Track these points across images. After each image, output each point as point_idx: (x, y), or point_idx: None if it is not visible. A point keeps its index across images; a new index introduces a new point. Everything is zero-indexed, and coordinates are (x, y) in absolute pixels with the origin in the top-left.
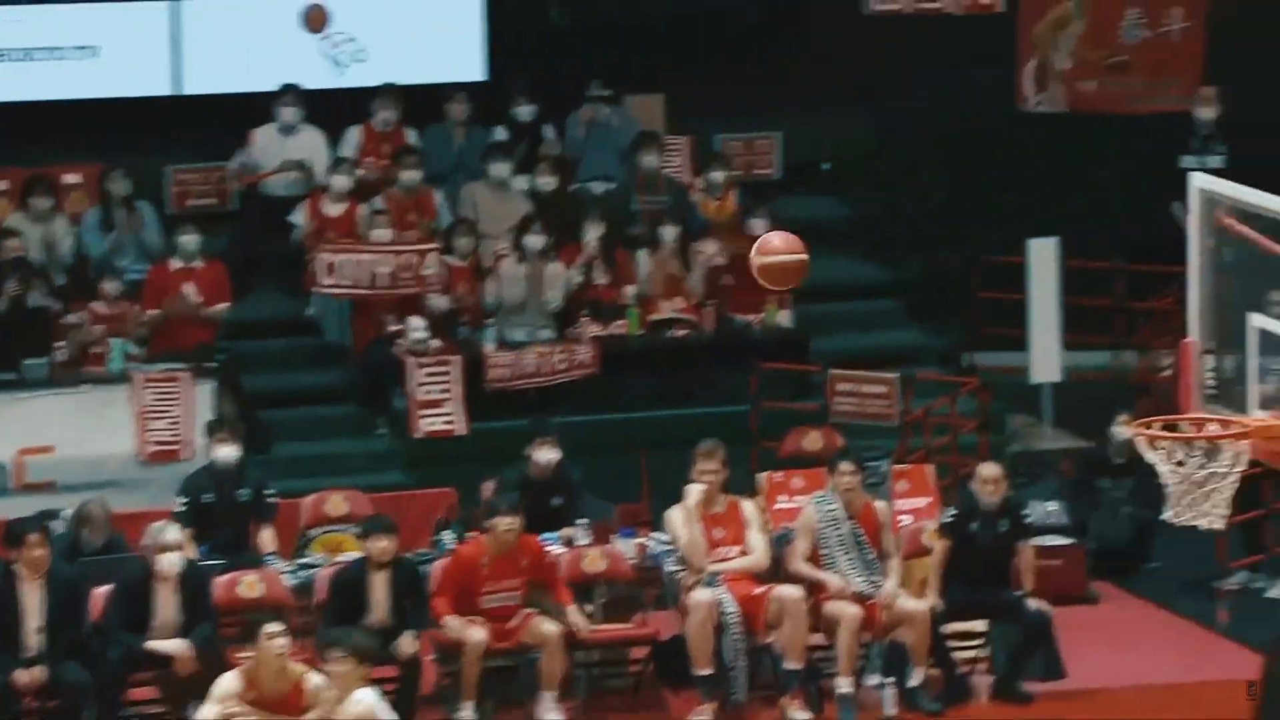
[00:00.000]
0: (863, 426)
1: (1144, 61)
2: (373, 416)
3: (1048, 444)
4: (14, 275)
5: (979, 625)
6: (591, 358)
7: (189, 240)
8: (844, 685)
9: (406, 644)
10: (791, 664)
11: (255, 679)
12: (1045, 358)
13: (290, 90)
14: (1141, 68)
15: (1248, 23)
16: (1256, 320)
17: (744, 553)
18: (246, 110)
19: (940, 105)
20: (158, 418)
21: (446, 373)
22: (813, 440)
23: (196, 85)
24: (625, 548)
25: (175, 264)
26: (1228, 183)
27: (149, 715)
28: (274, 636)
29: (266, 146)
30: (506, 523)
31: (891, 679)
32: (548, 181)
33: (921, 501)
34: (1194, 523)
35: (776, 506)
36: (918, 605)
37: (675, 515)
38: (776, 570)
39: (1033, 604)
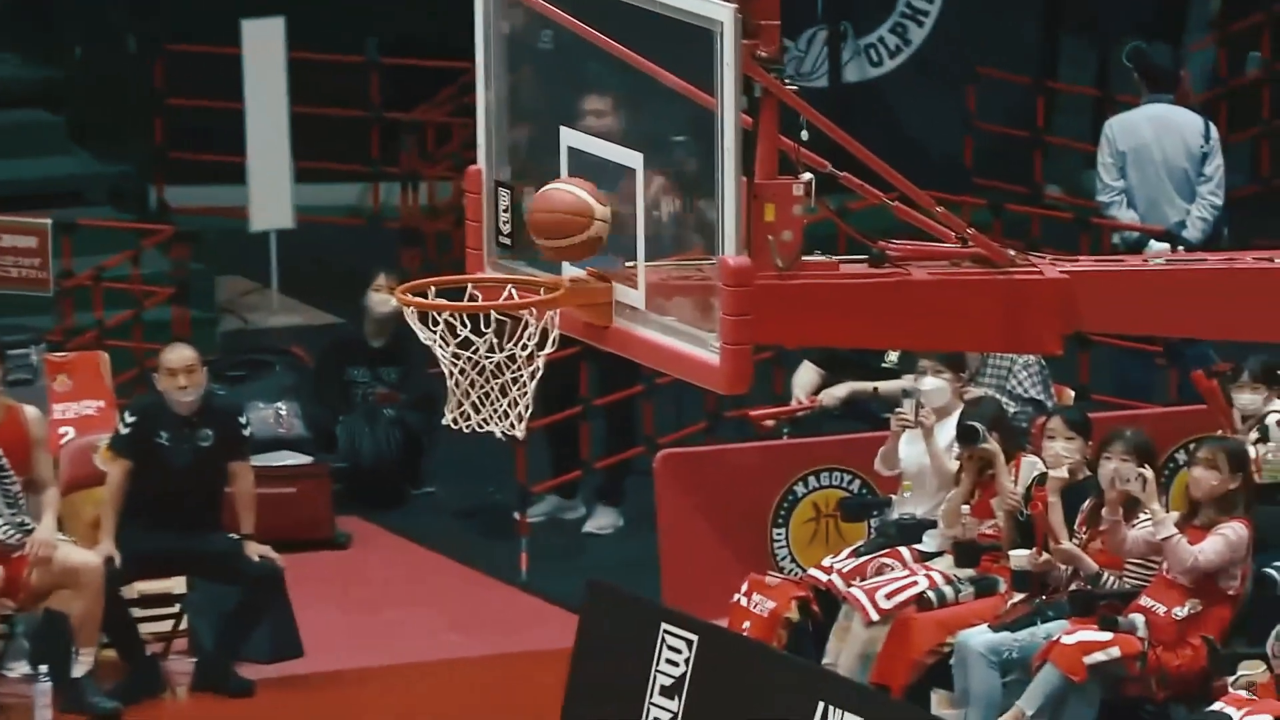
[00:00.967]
0: (2, 296)
1: None
2: None
3: (276, 320)
4: None
5: (175, 585)
6: None
7: None
8: None
9: None
10: (82, 653)
11: None
12: (270, 195)
13: None
14: None
15: None
16: (569, 136)
17: None
18: None
19: None
20: None
21: None
22: None
23: None
24: None
25: None
26: None
27: None
28: None
29: None
30: None
31: (46, 668)
32: None
33: (91, 405)
34: (485, 428)
35: None
36: (86, 559)
37: None
38: None
39: (254, 552)
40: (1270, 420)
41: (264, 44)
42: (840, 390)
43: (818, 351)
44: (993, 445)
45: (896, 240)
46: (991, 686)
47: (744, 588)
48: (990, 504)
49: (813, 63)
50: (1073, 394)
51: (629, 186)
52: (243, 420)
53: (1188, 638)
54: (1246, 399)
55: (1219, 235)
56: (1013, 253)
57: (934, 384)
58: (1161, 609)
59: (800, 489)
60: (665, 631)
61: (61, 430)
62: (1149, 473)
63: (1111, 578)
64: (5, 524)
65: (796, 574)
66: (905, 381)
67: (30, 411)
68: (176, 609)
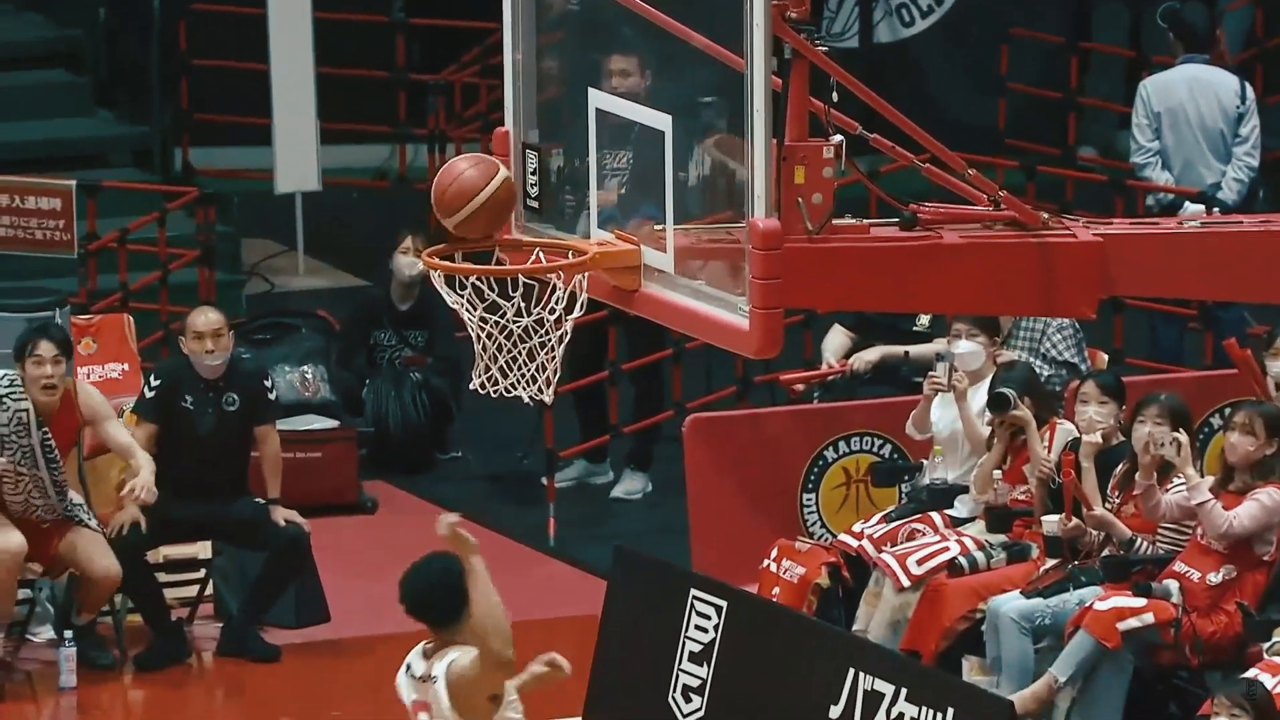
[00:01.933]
0: (26, 259)
1: None
2: None
3: (302, 282)
4: None
5: (201, 550)
6: None
7: None
8: None
9: None
10: (82, 618)
11: None
12: (295, 157)
13: None
14: None
15: None
16: (597, 98)
17: None
18: None
19: None
20: None
21: None
22: None
23: None
24: None
25: None
26: None
27: None
28: None
29: None
30: None
31: (70, 632)
32: None
33: (116, 369)
34: (512, 392)
35: None
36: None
37: None
38: None
39: (280, 517)
40: None
41: (290, 4)
42: (871, 354)
43: (848, 315)
44: (1024, 411)
45: (928, 203)
46: (1024, 653)
47: (773, 553)
48: (1022, 470)
49: (843, 23)
50: (1106, 358)
51: (658, 148)
52: (268, 384)
53: (1222, 604)
54: None
55: (1255, 197)
56: (1045, 215)
57: (968, 347)
58: (1196, 575)
59: (830, 454)
60: (694, 597)
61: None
62: (1184, 437)
63: (1145, 543)
64: (54, 514)
65: (827, 539)
66: (937, 345)
67: (81, 390)
68: (202, 574)
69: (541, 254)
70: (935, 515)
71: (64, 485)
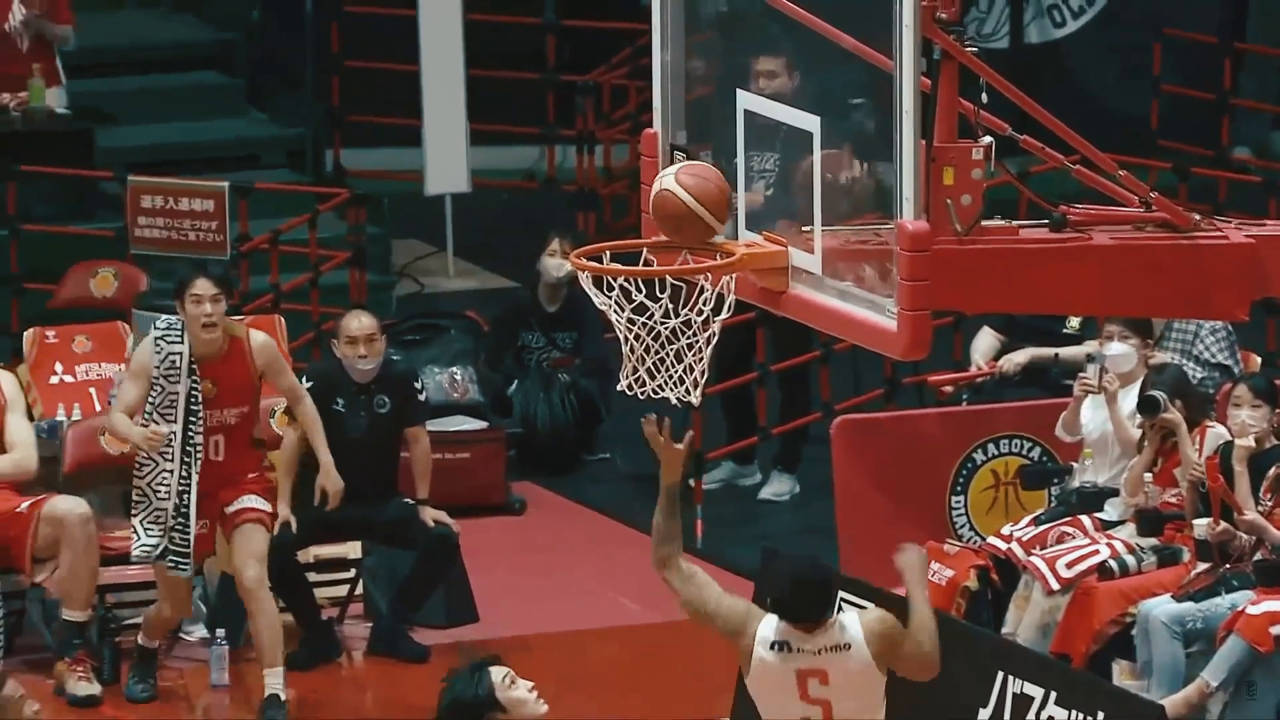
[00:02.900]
0: (179, 260)
1: None
2: None
3: (452, 284)
4: None
5: (351, 550)
6: None
7: None
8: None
9: None
10: (73, 614)
11: None
12: (446, 158)
13: None
14: None
15: None
16: (746, 99)
17: None
18: None
19: None
20: None
21: None
22: (104, 283)
23: None
24: None
25: None
26: None
27: None
28: None
29: None
30: None
31: (223, 631)
32: None
33: None
34: (660, 394)
35: (51, 381)
36: (70, 508)
37: None
38: None
39: (429, 517)
40: None
41: (441, 5)
42: (1020, 356)
43: (997, 317)
44: (1175, 414)
45: (1078, 205)
46: (1175, 657)
47: None
48: (1173, 473)
49: (994, 24)
50: (1259, 360)
51: (806, 149)
52: (419, 386)
53: None
54: None
55: None
56: (1197, 217)
57: (1121, 349)
58: None
59: (979, 456)
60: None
61: None
62: None
63: None
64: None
65: (975, 542)
66: (1087, 347)
67: (254, 337)
68: (352, 574)
69: (689, 255)
70: (1085, 518)
71: (197, 448)
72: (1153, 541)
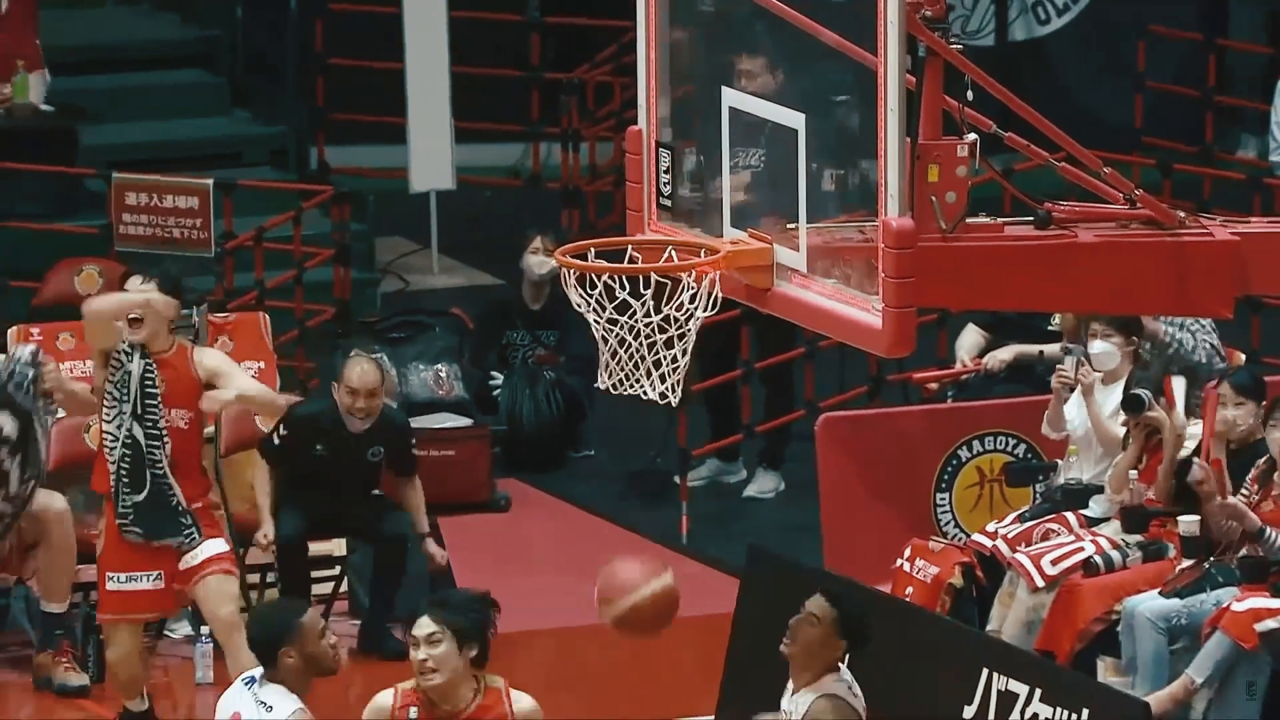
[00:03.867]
0: (164, 258)
1: None
2: None
3: (436, 281)
4: None
5: (335, 547)
6: None
7: None
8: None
9: None
10: (52, 606)
11: None
12: (430, 155)
13: None
14: None
15: None
16: (730, 96)
17: None
18: None
19: None
20: None
21: None
22: (88, 280)
23: None
24: None
25: None
26: None
27: None
28: None
29: None
30: None
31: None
32: None
33: (253, 366)
34: (641, 392)
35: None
36: (49, 504)
37: None
38: None
39: (433, 551)
40: None
41: (425, 3)
42: (1005, 353)
43: (982, 314)
44: (1159, 412)
45: (1063, 202)
46: (1160, 654)
47: (907, 553)
48: (1158, 470)
49: (979, 21)
50: (1244, 357)
51: (791, 147)
52: (413, 440)
53: None
54: None
55: None
56: (1182, 214)
57: (1103, 347)
58: None
59: (964, 453)
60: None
61: None
62: None
63: (1276, 535)
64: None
65: (960, 539)
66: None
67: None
68: (337, 570)
69: (674, 252)
70: (1070, 515)
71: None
72: (1137, 538)
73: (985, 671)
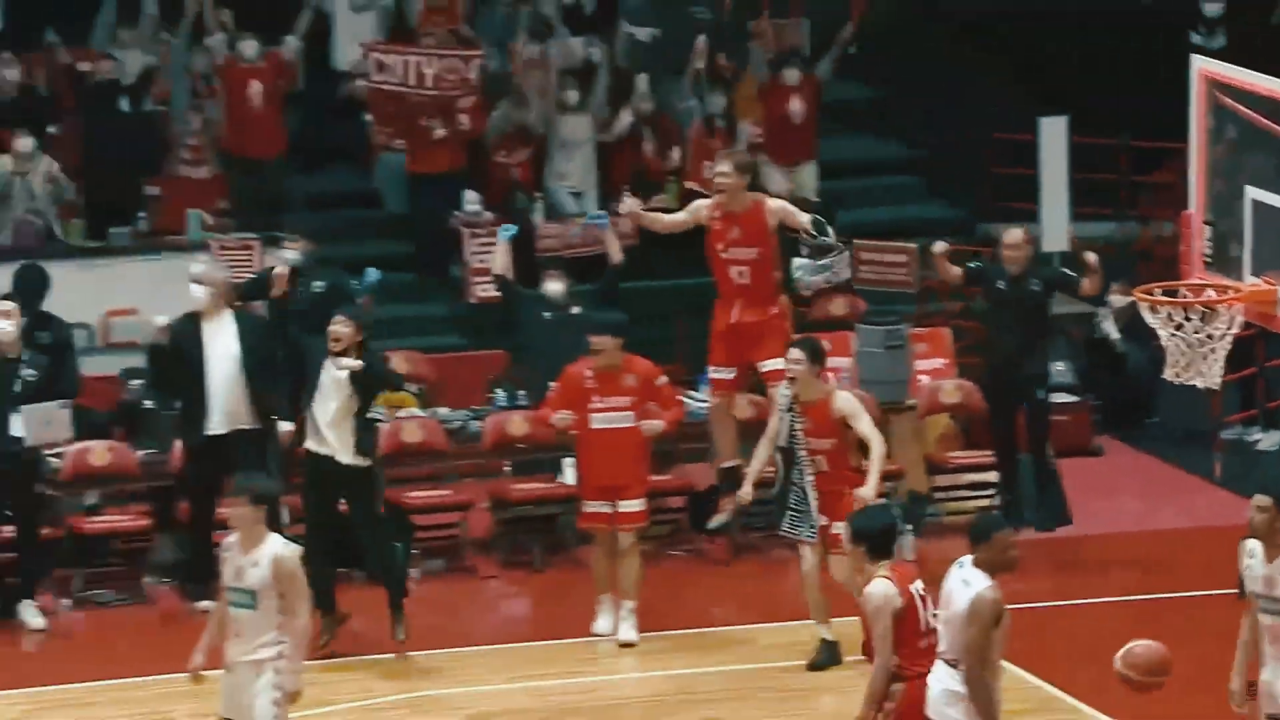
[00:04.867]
0: (884, 293)
1: None
2: (431, 283)
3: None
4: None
5: (990, 476)
6: (631, 230)
7: (248, 45)
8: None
9: None
10: None
11: None
12: (1054, 228)
13: None
14: None
15: None
16: (1252, 193)
17: None
18: None
19: None
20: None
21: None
22: (839, 306)
23: None
24: None
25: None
26: (1227, 65)
27: None
28: None
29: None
30: (595, 342)
31: (910, 526)
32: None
33: (938, 363)
34: (1192, 381)
35: None
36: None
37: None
38: None
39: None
40: None
41: (1053, 133)
42: None
43: None
44: None
45: None
46: None
47: None
48: None
49: None
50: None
51: None
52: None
53: None
54: None
55: None
56: None
57: None
58: None
59: None
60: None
61: (920, 377)
62: None
63: None
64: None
65: None
66: None
67: (843, 399)
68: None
69: (1212, 291)
70: None
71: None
72: None
73: None
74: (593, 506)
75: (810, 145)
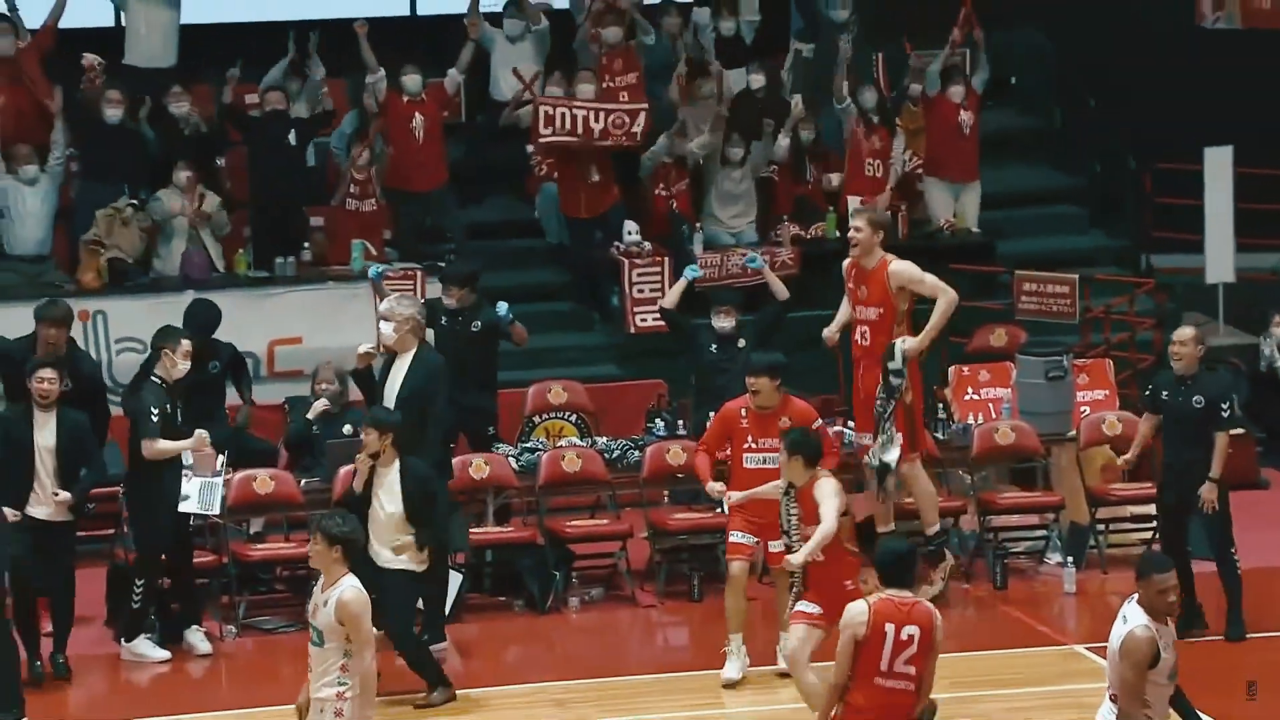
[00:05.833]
0: (1045, 324)
1: None
2: (590, 313)
3: (1221, 340)
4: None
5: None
6: (792, 258)
7: (411, 80)
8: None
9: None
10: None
11: None
12: (1219, 259)
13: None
14: None
15: None
16: None
17: None
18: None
19: (1122, 21)
20: None
21: (658, 272)
22: (998, 337)
23: (427, 8)
24: None
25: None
26: None
27: None
28: None
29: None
30: (751, 383)
31: (1071, 558)
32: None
33: (1100, 394)
34: None
35: (965, 398)
36: None
37: None
38: None
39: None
40: None
41: (1218, 163)
42: None
43: None
44: None
45: None
46: None
47: None
48: None
49: None
50: None
51: None
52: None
53: None
54: None
55: None
56: None
57: None
58: None
59: None
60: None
61: (1081, 409)
62: None
63: None
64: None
65: None
66: None
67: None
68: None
69: None
70: None
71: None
72: None
73: None
74: (738, 537)
75: (974, 164)
